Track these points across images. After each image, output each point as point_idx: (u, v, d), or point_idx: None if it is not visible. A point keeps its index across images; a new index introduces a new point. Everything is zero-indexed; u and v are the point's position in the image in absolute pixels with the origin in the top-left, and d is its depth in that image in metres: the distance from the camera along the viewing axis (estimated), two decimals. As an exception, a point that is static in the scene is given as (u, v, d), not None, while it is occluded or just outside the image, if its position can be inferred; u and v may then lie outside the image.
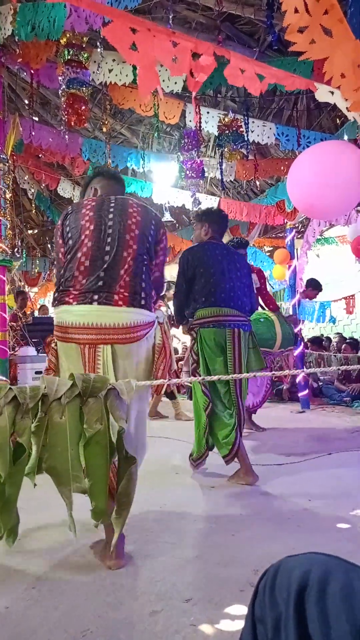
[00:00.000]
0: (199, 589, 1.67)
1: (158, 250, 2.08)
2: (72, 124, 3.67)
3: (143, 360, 1.93)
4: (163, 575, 1.77)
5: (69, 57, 3.56)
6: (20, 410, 0.83)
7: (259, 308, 4.40)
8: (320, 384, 6.83)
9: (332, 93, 1.89)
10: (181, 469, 3.35)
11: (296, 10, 1.72)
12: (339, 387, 6.60)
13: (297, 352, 5.81)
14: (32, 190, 7.58)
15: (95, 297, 1.84)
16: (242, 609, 1.53)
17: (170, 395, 5.68)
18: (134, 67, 3.86)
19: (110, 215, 1.97)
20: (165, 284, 2.38)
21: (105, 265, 1.87)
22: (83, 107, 3.59)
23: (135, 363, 1.89)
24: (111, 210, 1.97)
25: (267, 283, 4.60)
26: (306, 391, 6.16)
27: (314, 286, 6.61)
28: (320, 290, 6.64)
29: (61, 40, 3.55)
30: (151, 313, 1.95)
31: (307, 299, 6.55)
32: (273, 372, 4.00)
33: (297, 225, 6.62)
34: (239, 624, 1.45)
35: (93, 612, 1.54)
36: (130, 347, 1.86)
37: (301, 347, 5.93)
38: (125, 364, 1.86)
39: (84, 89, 3.62)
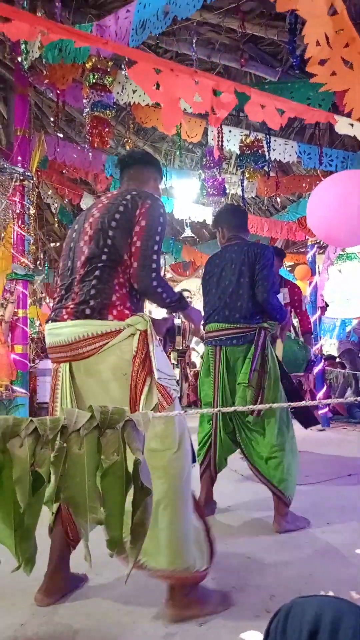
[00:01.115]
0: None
1: (136, 216, 1.69)
2: (95, 145, 3.76)
3: (111, 379, 1.63)
4: (178, 598, 1.78)
5: (94, 80, 3.65)
6: (41, 441, 0.86)
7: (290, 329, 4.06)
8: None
9: (352, 125, 1.90)
10: (195, 491, 3.34)
11: (318, 43, 1.75)
12: None
13: (317, 369, 5.77)
14: (55, 205, 7.73)
15: (52, 314, 1.77)
16: (257, 636, 1.52)
17: None
18: (158, 88, 3.94)
19: (76, 226, 1.84)
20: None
21: (66, 282, 1.76)
22: (107, 129, 3.67)
23: (104, 381, 1.64)
24: (79, 219, 1.85)
25: (302, 302, 4.28)
26: (326, 409, 6.10)
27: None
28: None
29: (87, 65, 3.65)
30: (106, 322, 1.63)
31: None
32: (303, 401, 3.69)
33: (319, 241, 6.60)
34: (253, 652, 1.45)
35: (107, 633, 1.55)
36: (87, 364, 1.64)
37: (321, 364, 5.88)
38: (91, 383, 1.67)
39: (108, 111, 3.71)
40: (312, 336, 4.27)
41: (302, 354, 3.96)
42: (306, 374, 4.19)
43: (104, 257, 1.68)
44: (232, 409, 1.18)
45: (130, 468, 0.88)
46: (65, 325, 1.67)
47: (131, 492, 0.87)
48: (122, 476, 0.88)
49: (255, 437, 2.54)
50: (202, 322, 2.72)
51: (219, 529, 2.50)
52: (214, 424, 2.66)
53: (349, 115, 1.87)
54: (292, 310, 4.09)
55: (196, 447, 2.68)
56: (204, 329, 2.76)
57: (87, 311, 1.64)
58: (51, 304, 10.57)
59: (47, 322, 1.81)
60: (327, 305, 6.65)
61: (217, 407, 2.58)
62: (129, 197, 1.73)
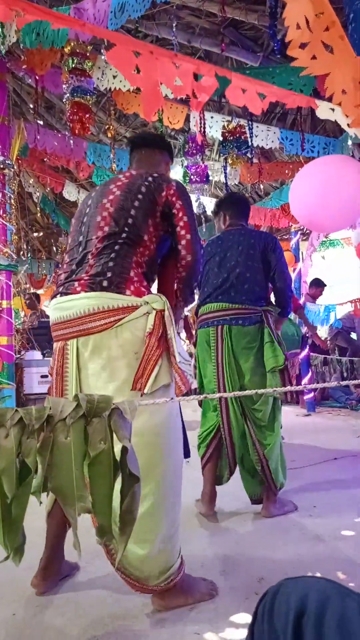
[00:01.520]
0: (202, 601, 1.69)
1: (174, 214, 1.72)
2: (76, 132, 3.69)
3: (120, 356, 1.55)
4: (168, 583, 1.80)
5: (73, 65, 3.58)
6: (26, 431, 0.86)
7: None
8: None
9: (333, 110, 1.90)
10: (186, 469, 3.36)
11: (298, 27, 1.74)
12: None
13: (302, 355, 5.81)
14: (37, 194, 7.62)
15: (61, 289, 1.68)
16: (247, 618, 1.55)
17: None
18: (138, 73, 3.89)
19: (89, 201, 1.79)
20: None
21: (78, 257, 1.69)
22: (87, 115, 3.61)
23: (112, 359, 1.55)
24: (92, 195, 1.80)
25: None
26: (312, 394, 6.16)
27: (317, 284, 6.61)
28: (324, 286, 6.63)
29: (65, 49, 3.57)
30: (123, 296, 1.56)
31: (312, 299, 6.54)
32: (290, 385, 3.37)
33: (302, 227, 6.62)
34: (243, 632, 1.48)
35: (98, 621, 1.57)
36: (95, 340, 1.55)
37: (307, 350, 5.93)
38: (95, 362, 1.57)
39: (88, 97, 3.65)
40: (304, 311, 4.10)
41: (296, 330, 3.85)
42: (301, 351, 4.01)
43: (124, 235, 1.65)
44: (251, 392, 1.14)
45: (118, 456, 0.88)
46: (78, 297, 1.58)
47: (119, 480, 0.87)
48: (110, 464, 0.88)
49: (258, 424, 2.49)
50: (199, 302, 2.68)
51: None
52: (224, 410, 2.50)
53: (330, 99, 1.86)
54: None
55: (196, 441, 2.62)
56: (198, 310, 2.69)
57: (105, 283, 1.58)
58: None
59: (52, 298, 1.71)
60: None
61: (224, 392, 2.45)
62: (150, 179, 1.73)
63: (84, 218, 1.76)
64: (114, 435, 0.88)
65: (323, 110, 1.96)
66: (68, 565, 1.88)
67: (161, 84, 2.00)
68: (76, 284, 1.61)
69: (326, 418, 5.71)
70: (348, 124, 1.89)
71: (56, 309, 1.65)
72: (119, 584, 1.79)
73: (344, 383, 1.14)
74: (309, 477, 3.14)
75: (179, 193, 1.73)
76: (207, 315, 2.60)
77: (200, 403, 2.76)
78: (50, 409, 0.87)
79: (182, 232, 1.71)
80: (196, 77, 1.90)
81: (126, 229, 1.65)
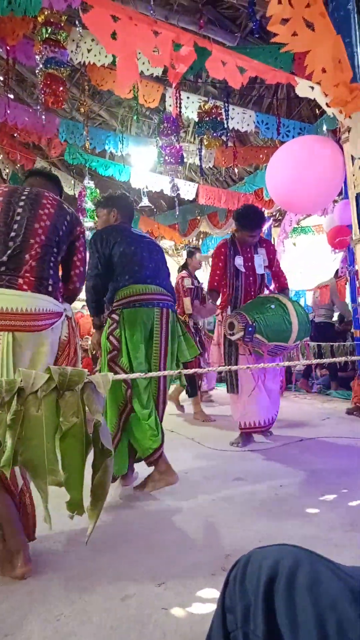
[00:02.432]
0: (172, 573, 1.70)
1: (77, 247, 2.08)
2: (50, 104, 3.59)
3: (48, 353, 1.79)
4: (137, 559, 1.81)
5: (46, 35, 3.45)
6: (-4, 403, 0.84)
7: (265, 290, 3.78)
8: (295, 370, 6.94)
9: (312, 88, 1.89)
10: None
11: (279, 2, 1.71)
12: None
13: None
14: (7, 171, 7.41)
15: None
16: (214, 593, 1.57)
17: (191, 392, 4.85)
18: (114, 49, 3.79)
19: (21, 203, 1.93)
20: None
21: (9, 251, 1.79)
22: (61, 88, 3.50)
23: (41, 354, 1.78)
24: (23, 198, 1.94)
25: (276, 259, 3.88)
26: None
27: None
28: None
29: (39, 18, 3.45)
30: (59, 303, 1.87)
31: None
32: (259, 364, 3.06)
33: (274, 213, 6.66)
34: (211, 607, 1.50)
35: (66, 597, 1.56)
36: (34, 337, 1.74)
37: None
38: (32, 355, 1.76)
39: (62, 69, 3.54)
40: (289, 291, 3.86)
41: (307, 315, 3.46)
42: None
43: (55, 249, 1.91)
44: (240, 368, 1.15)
45: (91, 430, 0.87)
46: (24, 294, 1.73)
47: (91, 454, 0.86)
48: (82, 438, 0.87)
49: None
50: (126, 277, 2.59)
51: (177, 493, 2.55)
52: (162, 388, 2.65)
53: (309, 77, 1.85)
54: (269, 269, 3.78)
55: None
56: (125, 285, 2.59)
57: (50, 288, 1.81)
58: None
59: None
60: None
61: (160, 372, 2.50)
62: (71, 212, 2.05)
63: (17, 215, 1.88)
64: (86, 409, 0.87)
65: (302, 88, 1.94)
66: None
67: (139, 52, 1.95)
68: (19, 280, 1.74)
69: (293, 402, 5.82)
70: (327, 103, 1.89)
71: None
72: (87, 559, 1.79)
73: (287, 364, 1.15)
74: (275, 458, 3.20)
75: (84, 233, 2.13)
76: (148, 295, 2.60)
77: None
78: (21, 381, 0.85)
79: (78, 264, 2.10)
80: (175, 47, 1.86)
81: (55, 244, 1.92)
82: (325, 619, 0.55)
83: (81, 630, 1.39)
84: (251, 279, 3.63)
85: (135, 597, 1.56)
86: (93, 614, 1.47)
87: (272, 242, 4.04)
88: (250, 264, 3.63)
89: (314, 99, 2.01)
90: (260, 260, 3.64)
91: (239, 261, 3.60)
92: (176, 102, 3.64)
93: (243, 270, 3.61)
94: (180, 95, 4.00)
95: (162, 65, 1.88)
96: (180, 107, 4.34)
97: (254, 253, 3.65)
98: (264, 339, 3.20)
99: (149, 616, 1.45)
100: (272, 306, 3.27)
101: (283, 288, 3.85)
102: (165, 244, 10.52)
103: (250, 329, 3.15)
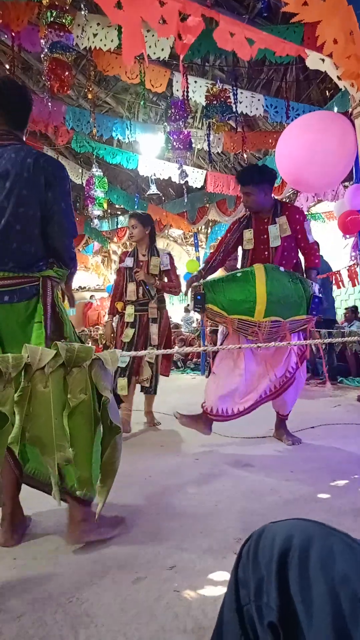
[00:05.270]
0: (182, 557, 1.70)
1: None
2: (56, 90, 3.55)
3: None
4: (147, 544, 1.80)
5: (51, 19, 3.41)
6: (2, 379, 0.82)
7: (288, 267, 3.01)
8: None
9: (323, 61, 1.84)
10: (166, 442, 3.38)
11: (289, -29, 1.66)
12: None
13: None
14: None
15: None
16: (225, 575, 1.56)
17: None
18: (119, 32, 3.74)
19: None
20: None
21: None
22: (67, 73, 3.46)
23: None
24: None
25: (306, 231, 3.07)
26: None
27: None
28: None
29: (43, 1, 3.40)
30: None
31: None
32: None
33: (284, 200, 6.57)
34: (222, 589, 1.49)
35: (78, 580, 1.56)
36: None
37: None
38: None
39: (68, 54, 3.49)
40: (317, 273, 3.13)
41: (297, 289, 2.75)
42: (311, 317, 2.81)
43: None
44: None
45: (99, 407, 0.85)
46: None
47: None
48: (91, 415, 0.85)
49: None
50: None
51: (187, 479, 2.54)
52: None
53: (319, 50, 1.80)
54: (295, 242, 3.07)
55: None
56: None
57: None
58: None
59: None
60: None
61: None
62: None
63: None
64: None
65: (313, 61, 1.90)
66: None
67: (145, 37, 1.91)
68: None
69: (304, 389, 5.79)
70: (338, 76, 1.84)
71: None
72: (98, 545, 1.79)
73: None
74: (285, 444, 3.19)
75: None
76: None
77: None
78: (27, 357, 0.84)
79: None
80: (182, 19, 1.82)
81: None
82: (338, 592, 0.54)
83: (93, 612, 1.39)
84: (266, 253, 3.02)
85: (146, 579, 1.56)
86: (104, 596, 1.47)
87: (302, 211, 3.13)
88: (265, 236, 3.03)
89: (323, 79, 1.97)
90: (276, 231, 3.00)
91: (248, 235, 3.09)
92: (183, 74, 3.52)
93: (250, 246, 3.07)
94: (187, 80, 3.94)
95: (169, 35, 1.83)
96: (187, 94, 4.29)
97: (271, 223, 3.04)
98: (220, 311, 2.71)
99: (161, 598, 1.45)
100: (239, 274, 2.78)
101: (309, 268, 3.11)
102: (174, 232, 10.48)
103: (198, 297, 2.71)
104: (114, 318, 3.98)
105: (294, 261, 3.11)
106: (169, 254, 3.88)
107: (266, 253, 3.03)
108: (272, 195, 3.09)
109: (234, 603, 0.64)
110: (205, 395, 3.04)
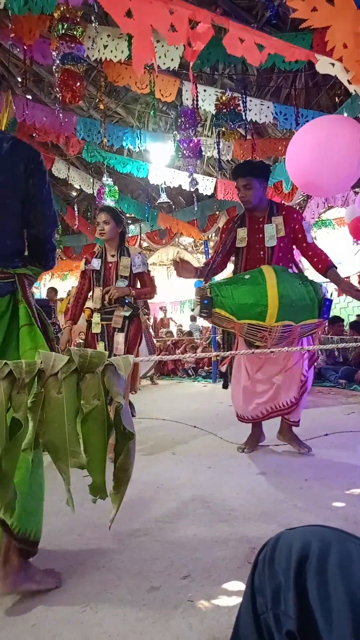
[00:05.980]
0: (197, 566, 1.68)
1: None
2: (67, 101, 3.59)
3: None
4: (161, 553, 1.79)
5: (63, 31, 3.46)
6: (16, 385, 0.82)
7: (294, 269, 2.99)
8: (318, 366, 6.84)
9: (333, 65, 1.84)
10: (178, 449, 3.37)
11: (298, -24, 1.67)
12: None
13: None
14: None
15: None
16: (240, 585, 1.54)
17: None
18: (129, 43, 3.78)
19: None
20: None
21: None
22: (78, 84, 3.51)
23: None
24: None
25: (305, 231, 2.93)
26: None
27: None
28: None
29: (54, 14, 3.46)
30: None
31: None
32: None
33: (294, 206, 6.56)
34: (237, 600, 1.47)
35: (92, 589, 1.55)
36: None
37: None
38: None
39: (79, 65, 3.54)
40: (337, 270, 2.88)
41: (308, 292, 2.63)
42: (322, 321, 2.70)
43: None
44: None
45: (112, 413, 0.85)
46: None
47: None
48: (104, 421, 0.85)
49: None
50: None
51: (200, 487, 2.53)
52: None
53: (329, 55, 1.80)
54: (293, 245, 2.99)
55: None
56: None
57: None
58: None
59: None
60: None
61: None
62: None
63: None
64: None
65: (323, 65, 1.89)
66: None
67: (155, 47, 1.93)
68: None
69: (317, 397, 5.74)
70: (349, 80, 1.84)
71: None
72: (112, 552, 1.78)
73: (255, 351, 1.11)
74: (299, 452, 3.15)
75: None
76: None
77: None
78: (41, 363, 0.84)
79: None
80: (191, 26, 1.83)
81: None
82: (358, 598, 0.52)
83: (107, 621, 1.38)
84: (262, 253, 2.93)
85: (161, 589, 1.55)
86: (119, 606, 1.46)
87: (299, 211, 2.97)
88: (260, 235, 2.93)
89: (333, 85, 1.96)
90: (272, 230, 2.89)
91: (241, 234, 2.99)
92: (193, 83, 3.52)
93: (243, 244, 2.97)
94: (197, 89, 3.96)
95: (179, 42, 1.83)
96: (197, 103, 4.31)
97: (266, 222, 2.94)
98: (229, 315, 2.58)
99: (175, 608, 1.43)
100: (247, 277, 2.64)
101: (328, 267, 2.86)
102: (185, 240, 10.50)
103: (205, 301, 2.57)
104: (74, 325, 3.47)
105: (290, 263, 3.01)
106: (141, 254, 3.49)
107: (262, 253, 2.93)
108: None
109: (251, 613, 0.63)
110: (233, 404, 3.26)
